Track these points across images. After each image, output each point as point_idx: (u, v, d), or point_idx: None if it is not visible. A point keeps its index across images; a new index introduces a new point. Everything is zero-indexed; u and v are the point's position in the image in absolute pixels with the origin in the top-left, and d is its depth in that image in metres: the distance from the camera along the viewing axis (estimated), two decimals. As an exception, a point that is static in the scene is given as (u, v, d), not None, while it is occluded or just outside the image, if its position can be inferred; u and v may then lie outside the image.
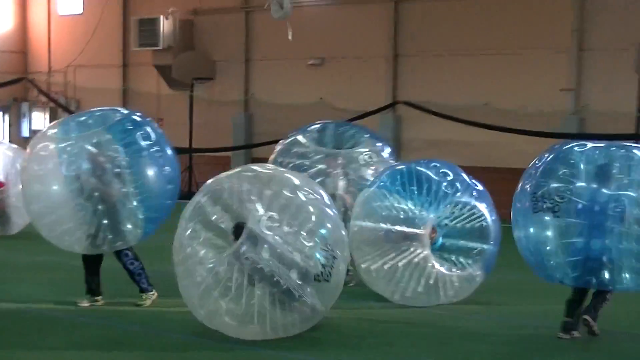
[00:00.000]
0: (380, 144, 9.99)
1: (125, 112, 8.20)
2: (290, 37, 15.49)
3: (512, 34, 15.54)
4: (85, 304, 7.76)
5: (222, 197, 6.74)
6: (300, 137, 9.92)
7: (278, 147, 10.04)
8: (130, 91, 21.34)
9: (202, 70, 19.35)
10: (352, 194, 9.25)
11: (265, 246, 6.31)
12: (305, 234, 6.46)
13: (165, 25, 19.18)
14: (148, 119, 8.09)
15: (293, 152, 9.79)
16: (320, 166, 9.51)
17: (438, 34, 16.42)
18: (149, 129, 7.74)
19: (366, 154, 9.67)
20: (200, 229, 6.71)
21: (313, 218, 6.58)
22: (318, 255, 6.49)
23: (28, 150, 7.96)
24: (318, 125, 10.33)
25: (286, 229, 6.42)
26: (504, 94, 15.63)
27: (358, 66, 17.57)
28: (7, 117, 22.40)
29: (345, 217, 8.75)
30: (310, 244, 6.45)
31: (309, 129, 10.20)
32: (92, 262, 7.78)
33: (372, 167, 9.51)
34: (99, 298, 7.82)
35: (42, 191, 7.51)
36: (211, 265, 6.45)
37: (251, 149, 18.90)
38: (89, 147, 7.42)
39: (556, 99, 14.90)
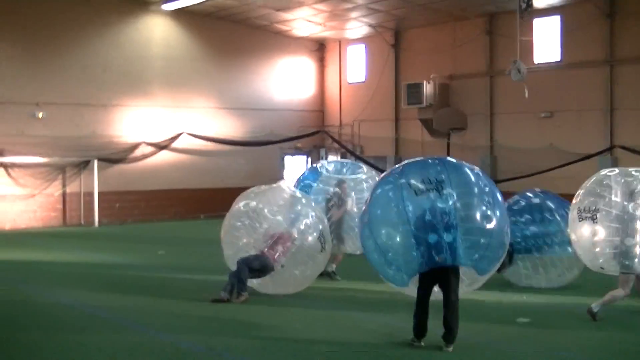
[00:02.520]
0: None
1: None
2: (526, 95, 17.27)
3: None
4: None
5: None
6: None
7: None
8: (400, 139, 23.44)
9: (457, 122, 21.30)
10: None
11: None
12: None
13: (427, 88, 21.24)
14: None
15: None
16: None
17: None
18: None
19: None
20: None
21: None
22: None
23: None
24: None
25: None
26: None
27: (580, 118, 19.03)
28: (309, 159, 24.89)
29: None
30: None
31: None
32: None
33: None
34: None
35: None
36: None
37: (496, 184, 20.94)
38: None
39: None
